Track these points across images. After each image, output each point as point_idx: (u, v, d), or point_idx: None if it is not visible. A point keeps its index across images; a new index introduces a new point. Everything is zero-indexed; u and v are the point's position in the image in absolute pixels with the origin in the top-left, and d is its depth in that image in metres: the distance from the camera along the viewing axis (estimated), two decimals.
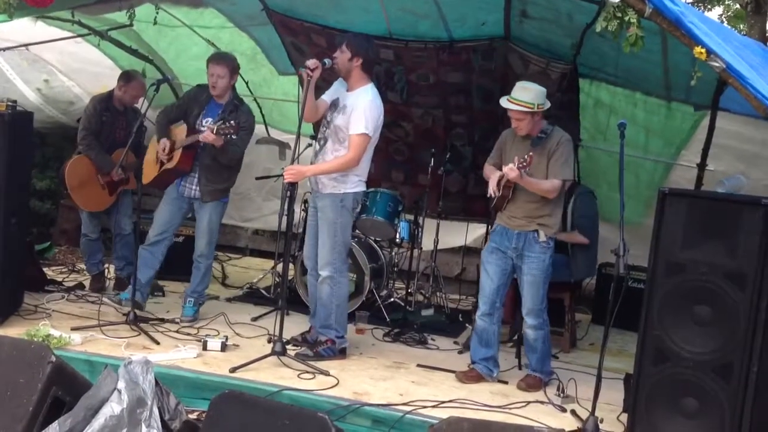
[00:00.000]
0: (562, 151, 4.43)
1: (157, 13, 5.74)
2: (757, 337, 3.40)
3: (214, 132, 4.93)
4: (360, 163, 4.69)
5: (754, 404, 3.40)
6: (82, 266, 6.35)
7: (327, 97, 4.85)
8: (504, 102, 4.47)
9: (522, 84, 4.54)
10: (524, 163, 4.26)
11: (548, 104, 4.49)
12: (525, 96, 4.40)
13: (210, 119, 5.25)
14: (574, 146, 6.19)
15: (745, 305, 3.42)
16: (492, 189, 4.51)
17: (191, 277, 5.43)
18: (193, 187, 5.31)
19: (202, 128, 5.21)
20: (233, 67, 5.24)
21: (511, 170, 4.29)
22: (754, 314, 3.41)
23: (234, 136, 5.00)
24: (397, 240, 6.31)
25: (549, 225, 4.47)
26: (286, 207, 4.47)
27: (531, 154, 4.30)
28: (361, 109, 4.60)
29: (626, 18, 3.62)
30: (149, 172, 5.47)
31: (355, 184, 4.75)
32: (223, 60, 5.24)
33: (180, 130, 5.37)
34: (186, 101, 5.43)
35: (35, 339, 4.20)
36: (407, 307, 6.06)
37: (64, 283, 6.02)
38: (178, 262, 6.16)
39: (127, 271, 5.94)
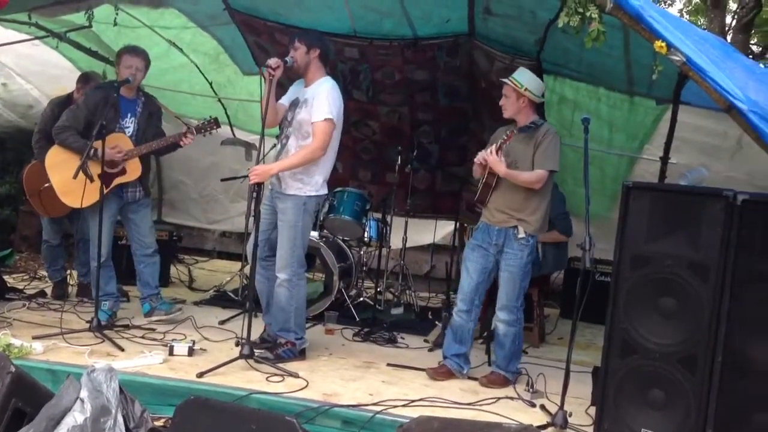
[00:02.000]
0: (549, 141, 4.46)
1: (117, 14, 5.64)
2: (720, 328, 3.44)
3: (195, 132, 5.09)
4: (325, 159, 4.64)
5: (719, 394, 3.43)
6: (44, 273, 6.23)
7: (285, 100, 4.80)
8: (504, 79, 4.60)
9: (523, 68, 4.70)
10: (504, 140, 4.37)
11: (537, 97, 4.54)
12: (520, 77, 4.53)
13: (131, 117, 5.16)
14: None
15: (709, 296, 3.46)
16: (475, 169, 4.56)
17: (149, 275, 5.39)
18: (136, 189, 5.28)
19: (126, 128, 5.12)
20: (148, 60, 5.19)
21: (489, 154, 4.36)
22: (717, 305, 3.44)
23: (215, 130, 5.18)
24: (366, 239, 6.30)
25: (530, 222, 4.47)
26: (253, 208, 4.42)
27: (512, 131, 4.39)
28: (322, 96, 4.56)
29: (588, 13, 3.64)
30: (76, 195, 4.91)
31: (319, 186, 4.69)
32: (141, 52, 5.16)
33: (117, 139, 5.02)
34: (92, 109, 5.01)
35: None
36: (377, 306, 6.05)
37: (25, 290, 5.90)
38: None
39: (89, 277, 5.84)
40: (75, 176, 4.78)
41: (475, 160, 4.55)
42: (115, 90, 4.97)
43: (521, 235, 4.46)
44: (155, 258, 5.41)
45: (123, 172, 5.11)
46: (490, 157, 4.37)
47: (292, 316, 4.69)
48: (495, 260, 4.56)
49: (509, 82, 4.51)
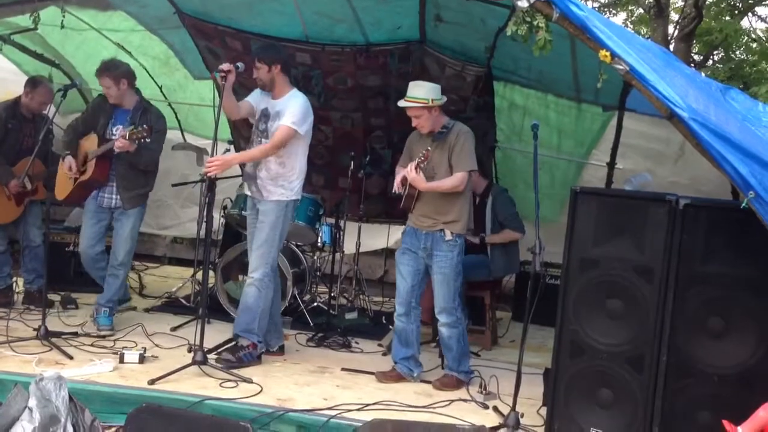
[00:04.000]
0: (462, 142, 4.52)
1: (64, 16, 5.51)
2: (665, 329, 3.55)
3: (127, 138, 4.87)
4: (302, 164, 4.80)
5: (665, 393, 3.55)
6: None
7: (251, 99, 4.86)
8: (401, 102, 4.58)
9: (415, 82, 4.67)
10: (422, 159, 4.39)
11: (444, 99, 4.60)
12: (419, 92, 4.53)
13: (120, 126, 5.19)
14: (490, 147, 6.39)
15: (653, 298, 3.57)
16: (396, 185, 4.58)
17: (105, 286, 5.30)
18: (113, 196, 5.27)
19: (113, 136, 5.14)
20: (116, 75, 5.18)
21: (408, 172, 4.40)
22: (662, 307, 3.56)
23: (147, 140, 4.92)
24: (319, 244, 6.30)
25: (455, 221, 4.55)
26: (205, 213, 4.40)
27: (428, 149, 4.43)
28: (292, 107, 4.67)
29: (535, 22, 3.71)
30: (63, 188, 5.36)
31: (298, 190, 4.83)
32: (105, 72, 5.18)
33: (90, 141, 5.26)
34: (91, 113, 5.37)
35: None
36: (331, 311, 6.05)
37: None
38: None
39: (37, 284, 5.73)
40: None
41: (395, 181, 4.58)
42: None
43: (449, 237, 4.53)
44: (116, 272, 5.30)
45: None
46: (410, 175, 4.42)
47: (257, 317, 4.69)
48: (425, 263, 4.62)
49: (414, 103, 4.51)
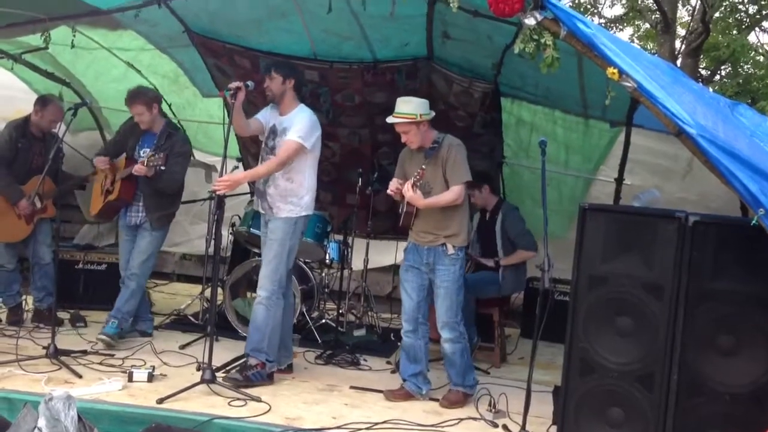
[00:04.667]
0: (455, 155, 4.53)
1: (74, 36, 5.58)
2: (676, 346, 3.53)
3: (145, 164, 5.09)
4: (311, 179, 4.81)
5: (676, 411, 3.52)
6: None
7: (261, 116, 4.90)
8: (389, 118, 4.59)
9: (403, 99, 4.67)
10: (417, 178, 4.40)
11: (432, 114, 4.62)
12: (406, 108, 4.54)
13: (147, 149, 5.37)
14: (498, 163, 6.40)
15: (663, 315, 3.55)
16: (391, 190, 4.57)
17: (118, 296, 5.39)
18: (139, 214, 5.42)
19: (140, 158, 5.32)
20: (147, 101, 5.36)
21: (406, 191, 4.41)
22: (672, 324, 3.54)
23: (162, 167, 5.11)
24: (327, 261, 6.30)
25: (456, 234, 4.55)
26: (213, 230, 4.42)
27: (423, 167, 4.43)
28: (299, 121, 4.71)
29: (542, 40, 3.73)
30: (96, 203, 5.60)
31: (309, 205, 4.83)
32: (137, 98, 5.35)
33: (120, 162, 5.47)
34: (122, 135, 5.59)
35: None
36: (339, 328, 6.03)
37: None
38: (100, 291, 5.98)
39: (46, 303, 5.75)
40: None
41: (389, 192, 4.59)
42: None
43: (451, 251, 4.53)
44: (128, 282, 5.40)
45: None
46: (407, 193, 4.42)
47: (267, 337, 4.68)
48: (428, 278, 4.62)
49: (402, 119, 4.52)
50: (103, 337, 5.18)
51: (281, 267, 4.72)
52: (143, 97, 5.38)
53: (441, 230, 4.54)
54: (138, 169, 5.13)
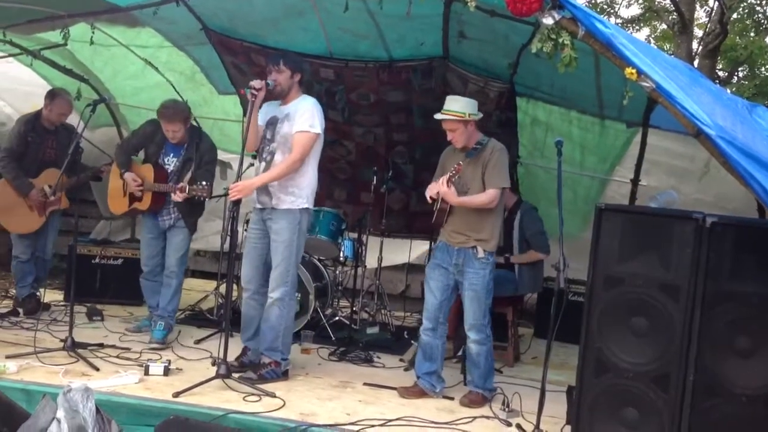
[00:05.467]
0: (496, 159, 4.52)
1: (93, 32, 5.64)
2: (692, 347, 3.51)
3: (185, 192, 5.10)
4: (312, 170, 4.73)
5: (692, 413, 3.50)
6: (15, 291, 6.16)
7: (260, 121, 4.82)
8: (438, 114, 4.58)
9: (452, 97, 4.67)
10: (453, 173, 4.39)
11: (480, 115, 4.61)
12: (455, 106, 4.53)
13: (173, 157, 5.40)
14: (513, 162, 6.38)
15: (680, 316, 3.54)
16: (429, 194, 4.58)
17: (161, 297, 5.42)
18: (171, 216, 5.44)
19: (167, 165, 5.37)
20: (185, 118, 5.37)
21: (440, 185, 4.41)
22: (688, 325, 3.52)
23: (204, 198, 5.14)
24: (341, 258, 6.32)
25: (487, 240, 4.54)
26: (229, 227, 4.44)
27: (460, 163, 4.42)
28: (306, 109, 4.64)
29: (560, 39, 3.73)
30: (118, 203, 5.58)
31: (310, 197, 4.75)
32: (175, 116, 5.28)
33: (146, 170, 5.42)
34: (141, 139, 5.53)
35: None
36: (352, 326, 6.06)
37: None
38: (116, 285, 6.03)
39: (27, 291, 5.85)
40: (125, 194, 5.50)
41: (427, 193, 4.60)
42: (159, 130, 5.37)
43: (481, 254, 4.52)
44: (168, 281, 5.45)
45: (140, 199, 5.46)
46: (441, 188, 4.43)
47: (281, 335, 4.70)
48: (455, 279, 4.61)
49: (451, 117, 4.51)
50: (155, 345, 5.20)
51: (291, 267, 4.69)
52: (182, 114, 5.31)
53: (473, 232, 4.52)
54: (178, 198, 5.12)
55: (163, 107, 5.31)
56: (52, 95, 5.76)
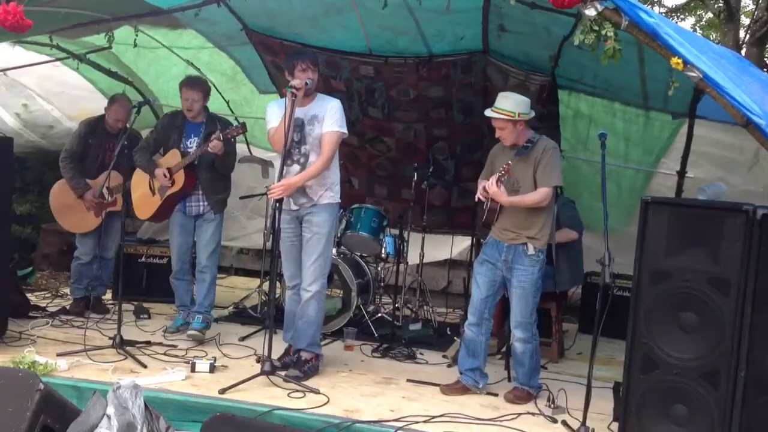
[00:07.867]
0: (548, 158, 4.46)
1: (137, 35, 5.74)
2: (743, 342, 3.44)
3: (221, 139, 5.10)
4: (337, 168, 4.89)
5: (743, 409, 3.43)
6: (66, 291, 6.30)
7: (275, 122, 4.80)
8: (488, 111, 4.54)
9: (504, 94, 4.62)
10: (502, 173, 4.36)
11: (532, 113, 4.55)
12: (505, 104, 4.48)
13: (194, 138, 5.44)
14: None
15: (730, 311, 3.46)
16: (479, 193, 4.54)
17: (197, 293, 5.52)
18: (199, 203, 5.49)
19: (190, 148, 5.39)
20: (206, 91, 5.51)
21: (490, 186, 4.38)
22: (739, 319, 3.44)
23: (240, 133, 5.21)
24: (383, 255, 6.32)
25: (538, 238, 4.48)
26: (273, 225, 4.49)
27: (509, 162, 4.38)
28: (334, 110, 4.73)
29: (603, 31, 3.65)
30: (148, 206, 5.59)
31: (338, 193, 4.88)
32: (198, 85, 5.47)
33: (172, 156, 5.47)
34: (161, 131, 5.59)
35: (21, 366, 4.15)
36: (395, 322, 6.06)
37: (47, 308, 5.96)
38: (163, 284, 6.12)
39: (98, 292, 6.02)
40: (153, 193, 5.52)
41: (478, 194, 4.55)
42: (177, 117, 5.52)
43: (531, 252, 4.47)
44: (202, 276, 5.50)
45: (173, 183, 5.43)
46: (491, 188, 4.39)
47: (318, 330, 4.79)
48: (502, 275, 4.58)
49: (501, 115, 4.46)
50: (193, 332, 5.30)
51: (328, 260, 4.83)
52: (204, 85, 5.52)
53: (523, 230, 4.48)
54: (215, 145, 5.08)
55: (187, 77, 5.55)
56: (111, 100, 5.93)
